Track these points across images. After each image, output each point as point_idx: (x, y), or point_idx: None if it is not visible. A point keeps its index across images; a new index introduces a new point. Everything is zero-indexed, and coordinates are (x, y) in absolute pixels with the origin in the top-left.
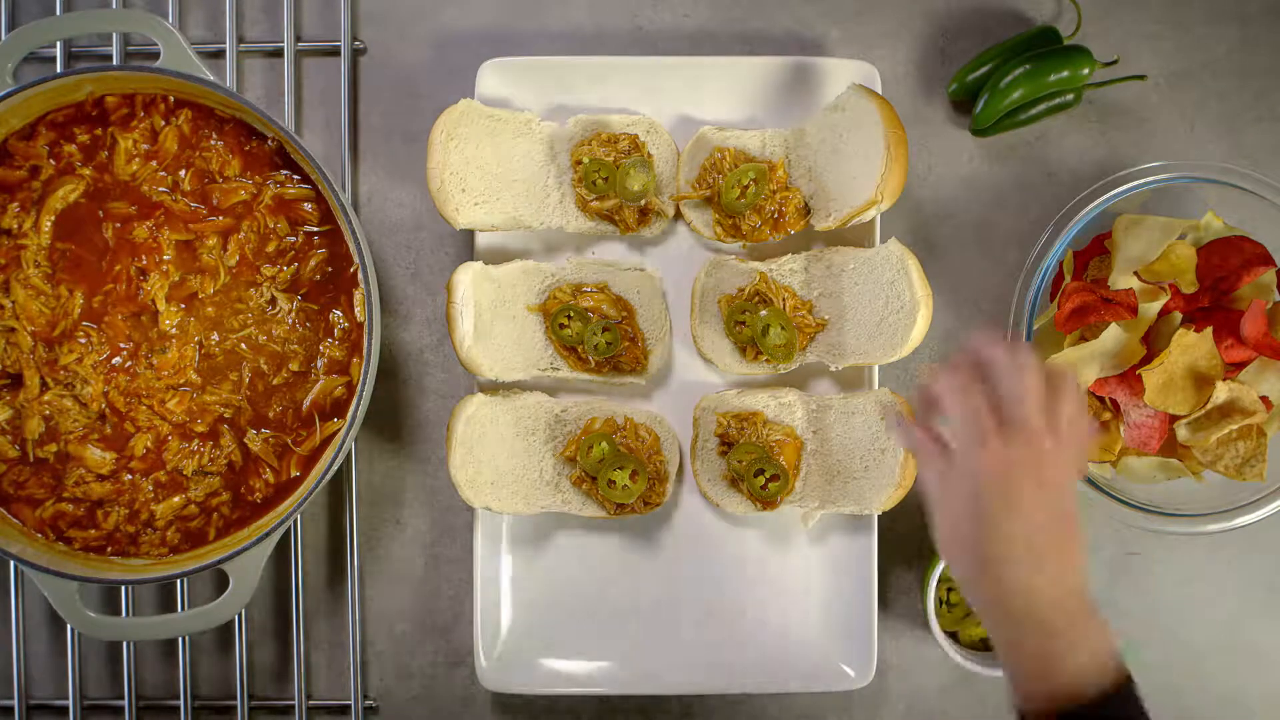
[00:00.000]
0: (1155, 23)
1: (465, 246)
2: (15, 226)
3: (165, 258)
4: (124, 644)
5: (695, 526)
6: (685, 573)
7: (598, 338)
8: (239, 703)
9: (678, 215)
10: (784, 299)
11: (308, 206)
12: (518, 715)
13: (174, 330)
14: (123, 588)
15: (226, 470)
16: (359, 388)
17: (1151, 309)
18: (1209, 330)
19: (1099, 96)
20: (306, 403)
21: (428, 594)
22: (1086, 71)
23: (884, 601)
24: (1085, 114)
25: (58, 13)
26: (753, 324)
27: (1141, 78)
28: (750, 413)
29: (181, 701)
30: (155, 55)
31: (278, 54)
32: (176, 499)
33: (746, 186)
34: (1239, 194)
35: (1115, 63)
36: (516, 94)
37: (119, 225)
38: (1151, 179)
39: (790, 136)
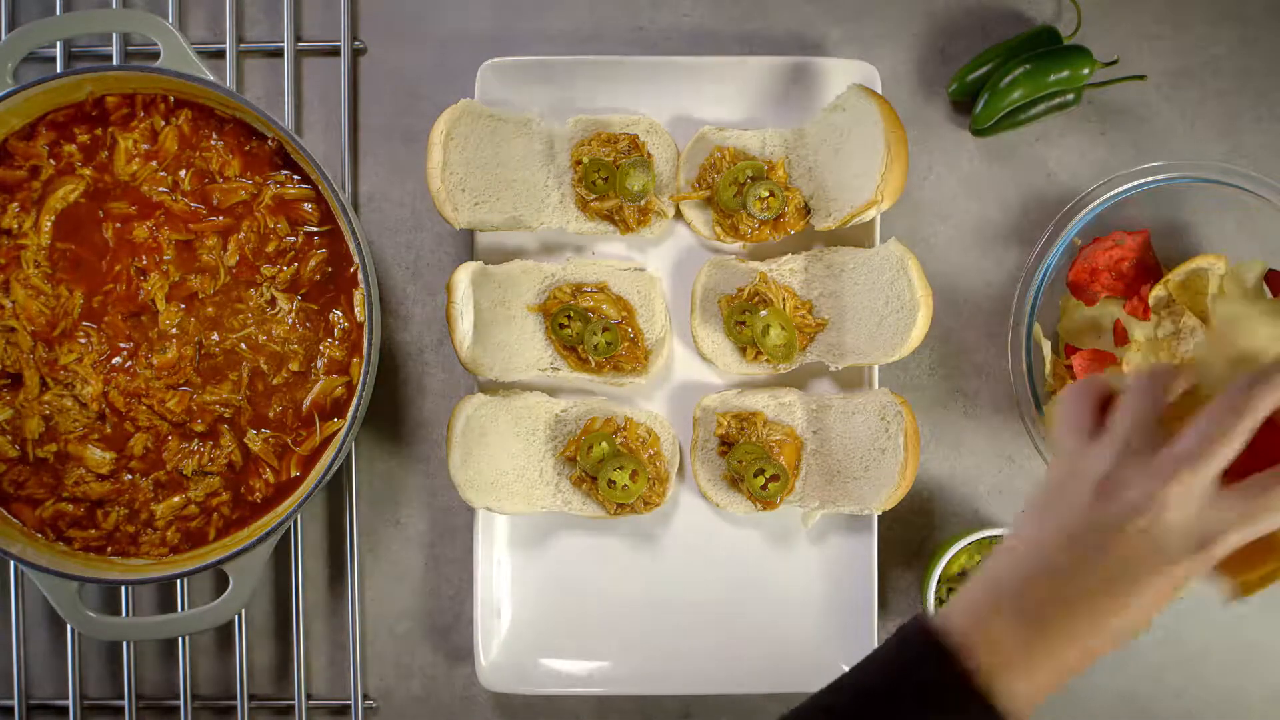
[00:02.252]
0: (1155, 23)
1: (465, 246)
2: (15, 226)
3: (165, 258)
4: (124, 644)
5: (695, 526)
6: (685, 573)
7: (598, 338)
8: (239, 703)
9: (678, 215)
10: (784, 299)
11: (308, 206)
12: (518, 715)
13: (174, 330)
14: (123, 588)
15: (226, 470)
16: (359, 388)
17: None
18: None
19: (1099, 96)
20: (306, 403)
21: (428, 594)
22: (1086, 71)
23: (884, 601)
24: (1085, 114)
25: (58, 13)
26: (753, 324)
27: (1141, 78)
28: (750, 413)
29: (181, 701)
30: (155, 55)
31: (278, 54)
32: (176, 499)
33: (743, 185)
34: (1239, 194)
35: (1115, 63)
36: (516, 94)
37: (119, 225)
38: (1151, 179)
39: (790, 136)
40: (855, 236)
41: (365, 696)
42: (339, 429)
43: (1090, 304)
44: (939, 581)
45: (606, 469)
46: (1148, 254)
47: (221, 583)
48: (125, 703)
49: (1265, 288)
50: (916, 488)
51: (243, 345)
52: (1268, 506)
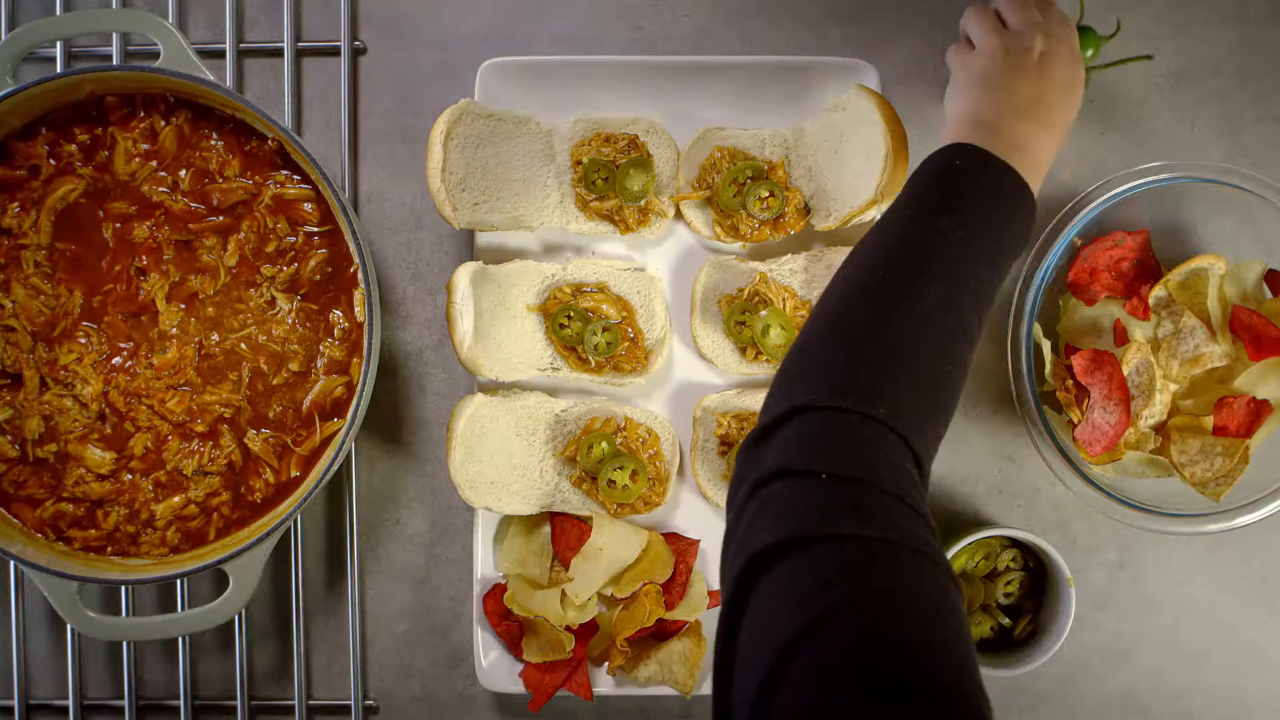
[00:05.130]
0: (1155, 23)
1: (465, 246)
2: (15, 226)
3: (165, 258)
4: (124, 644)
5: (695, 527)
6: None
7: (598, 338)
8: (239, 703)
9: (678, 215)
10: (784, 299)
11: (308, 206)
12: (517, 715)
13: (174, 330)
14: (123, 588)
15: (226, 470)
16: (359, 388)
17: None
18: None
19: (1099, 96)
20: (306, 403)
21: (428, 594)
22: (1091, 53)
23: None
24: (1085, 114)
25: (58, 13)
26: (753, 324)
27: (1148, 57)
28: (750, 413)
29: (181, 701)
30: (155, 55)
31: (278, 54)
32: (176, 499)
33: (743, 185)
34: (1239, 194)
35: (1117, 33)
36: (516, 94)
37: (119, 225)
38: (1151, 179)
39: (790, 136)
40: (855, 236)
41: (365, 696)
42: (339, 429)
43: (1090, 304)
44: None
45: (606, 469)
46: (1148, 254)
47: (221, 583)
48: (125, 703)
49: (1265, 288)
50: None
51: (243, 345)
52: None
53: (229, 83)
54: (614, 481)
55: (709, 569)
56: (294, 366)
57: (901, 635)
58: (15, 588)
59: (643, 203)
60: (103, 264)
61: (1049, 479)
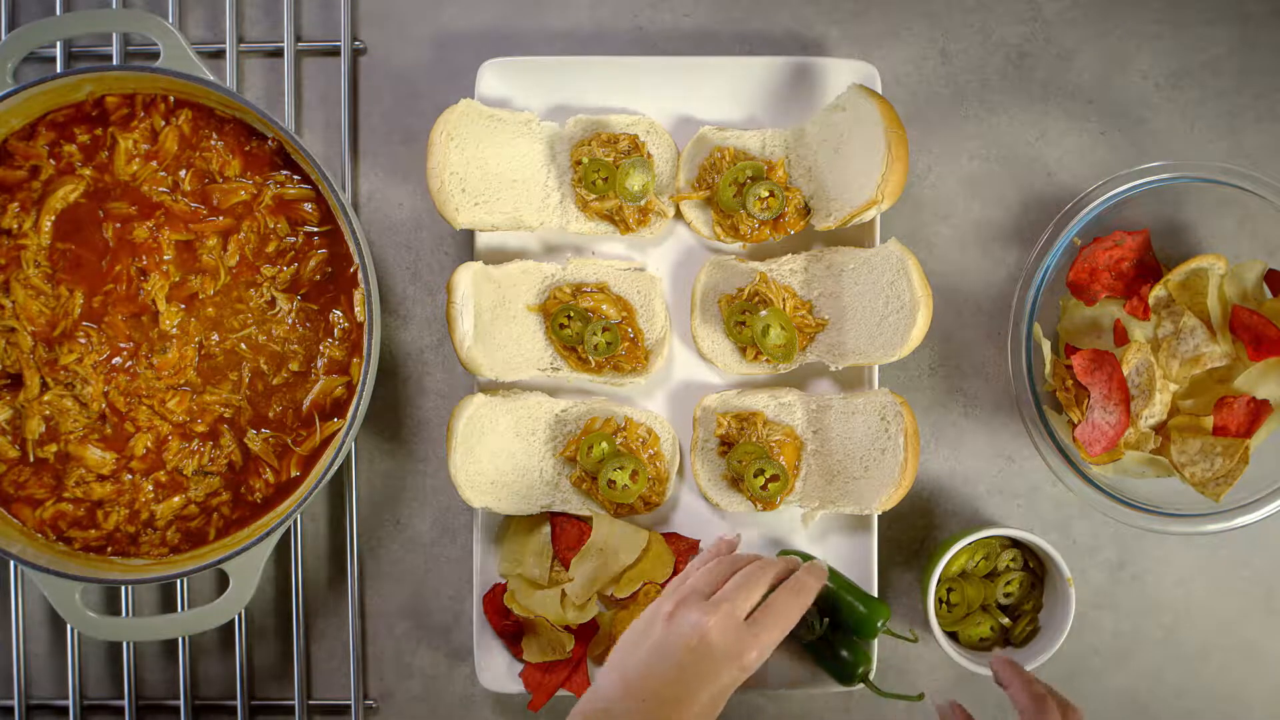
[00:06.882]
0: (1155, 23)
1: (465, 246)
2: (15, 226)
3: (165, 258)
4: (124, 644)
5: (695, 527)
6: None
7: (598, 338)
8: (239, 703)
9: (678, 215)
10: (784, 299)
11: (308, 206)
12: (518, 715)
13: (174, 330)
14: (123, 588)
15: (226, 470)
16: (359, 388)
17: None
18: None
19: (1099, 96)
20: (306, 403)
21: (428, 594)
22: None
23: (884, 602)
24: (1085, 113)
25: (58, 13)
26: (753, 324)
27: (919, 697)
28: (750, 413)
29: (181, 701)
30: (155, 55)
31: (278, 54)
32: (176, 499)
33: (743, 185)
34: (1239, 194)
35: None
36: (516, 94)
37: (119, 225)
38: (1151, 179)
39: (790, 136)
40: (855, 236)
41: (365, 696)
42: (339, 429)
43: (1090, 304)
44: (939, 581)
45: (606, 469)
46: (1148, 254)
47: (221, 583)
48: (125, 703)
49: (1265, 288)
50: (916, 488)
51: (243, 345)
52: (775, 627)
53: (229, 83)
54: (614, 481)
55: None
56: (294, 366)
57: None
58: (15, 588)
59: (643, 203)
60: (103, 264)
61: (1049, 479)
